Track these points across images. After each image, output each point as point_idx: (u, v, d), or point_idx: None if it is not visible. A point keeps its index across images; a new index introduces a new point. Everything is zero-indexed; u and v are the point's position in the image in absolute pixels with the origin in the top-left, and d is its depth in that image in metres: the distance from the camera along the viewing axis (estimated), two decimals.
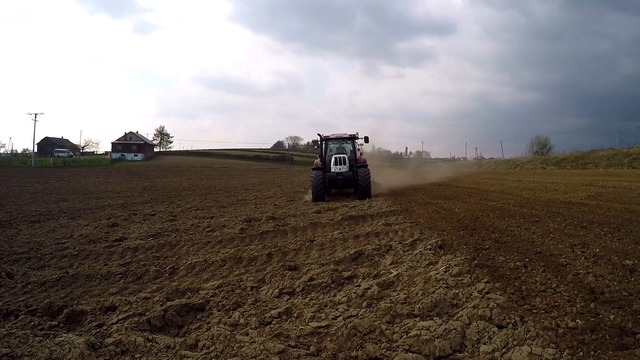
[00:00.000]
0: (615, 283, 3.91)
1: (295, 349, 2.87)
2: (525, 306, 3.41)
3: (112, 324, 3.72)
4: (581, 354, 2.56)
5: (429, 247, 5.75)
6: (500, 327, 2.99)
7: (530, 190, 14.92)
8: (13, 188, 24.02)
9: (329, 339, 3.01)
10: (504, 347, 2.67)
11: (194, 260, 6.24)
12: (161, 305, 4.00)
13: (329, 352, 2.84)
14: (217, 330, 3.31)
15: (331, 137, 17.15)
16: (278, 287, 4.47)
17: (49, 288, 5.37)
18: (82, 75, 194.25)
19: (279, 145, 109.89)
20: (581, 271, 4.35)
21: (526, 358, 2.39)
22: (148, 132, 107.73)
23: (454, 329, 2.95)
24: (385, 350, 2.83)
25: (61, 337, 3.48)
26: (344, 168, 15.71)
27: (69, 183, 29.31)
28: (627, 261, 4.59)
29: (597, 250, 5.19)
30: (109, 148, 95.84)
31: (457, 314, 3.34)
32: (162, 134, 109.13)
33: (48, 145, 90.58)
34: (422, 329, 2.98)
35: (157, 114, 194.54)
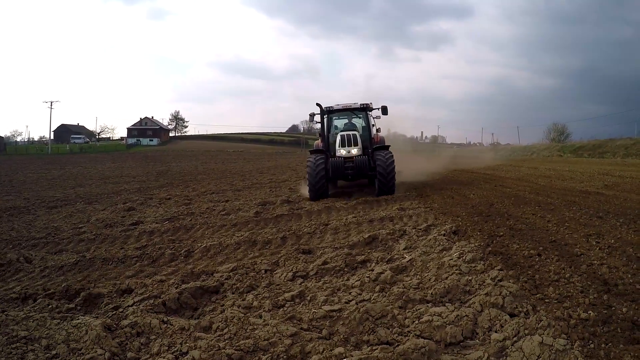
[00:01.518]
0: (630, 275, 3.87)
1: (307, 332, 2.94)
2: (537, 295, 3.41)
3: (128, 306, 3.86)
4: (592, 346, 2.56)
5: (442, 232, 5.75)
6: (512, 315, 3.00)
7: (547, 177, 14.66)
8: (30, 175, 24.69)
9: (341, 322, 3.07)
10: (515, 336, 2.68)
11: (209, 243, 6.38)
12: (176, 288, 4.11)
13: (341, 336, 2.90)
14: (231, 312, 3.39)
15: (336, 107, 12.23)
16: (292, 270, 4.54)
17: (66, 272, 5.51)
18: (97, 62, 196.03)
19: (294, 129, 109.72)
20: (595, 262, 4.30)
21: (537, 348, 2.40)
22: (163, 117, 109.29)
23: (466, 315, 2.97)
24: (396, 335, 2.88)
25: (78, 319, 3.57)
26: (354, 150, 11.06)
27: (85, 169, 29.97)
28: None
29: (612, 241, 5.12)
30: (124, 134, 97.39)
31: (469, 300, 3.36)
32: (177, 119, 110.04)
33: (64, 132, 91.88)
34: (434, 314, 3.01)
35: (174, 99, 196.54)
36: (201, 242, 6.56)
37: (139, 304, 3.82)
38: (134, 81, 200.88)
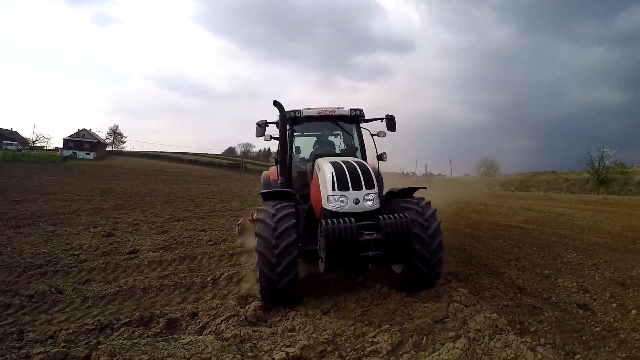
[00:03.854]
0: (535, 284, 6.65)
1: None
2: (479, 295, 5.98)
3: (217, 324, 4.99)
4: (511, 316, 5.12)
5: None
6: (466, 305, 5.31)
7: (478, 212, 17.94)
8: None
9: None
10: (469, 315, 4.98)
11: (229, 272, 7.50)
12: (242, 307, 5.48)
13: None
14: (299, 319, 5.01)
15: (307, 113, 7.35)
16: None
17: (111, 302, 6.22)
18: (35, 65, 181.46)
19: (230, 151, 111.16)
20: (514, 277, 7.02)
21: (482, 319, 4.71)
22: (100, 130, 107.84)
23: (443, 307, 5.24)
24: None
25: (183, 339, 4.33)
26: (369, 198, 5.91)
27: (22, 180, 29.41)
28: (545, 271, 7.38)
29: (526, 264, 7.92)
30: (60, 144, 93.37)
31: (440, 299, 5.61)
32: (115, 133, 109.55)
33: None
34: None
35: (109, 111, 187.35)
36: (218, 271, 7.69)
37: (227, 321, 5.05)
38: (73, 88, 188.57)
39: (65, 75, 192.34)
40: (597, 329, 5.01)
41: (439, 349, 4.26)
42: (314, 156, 7.47)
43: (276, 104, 6.63)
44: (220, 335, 4.66)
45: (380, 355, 4.28)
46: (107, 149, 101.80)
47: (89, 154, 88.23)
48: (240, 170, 79.56)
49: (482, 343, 4.29)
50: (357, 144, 8.03)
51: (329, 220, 5.28)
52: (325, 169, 6.16)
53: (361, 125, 7.95)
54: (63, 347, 4.51)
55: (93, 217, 15.00)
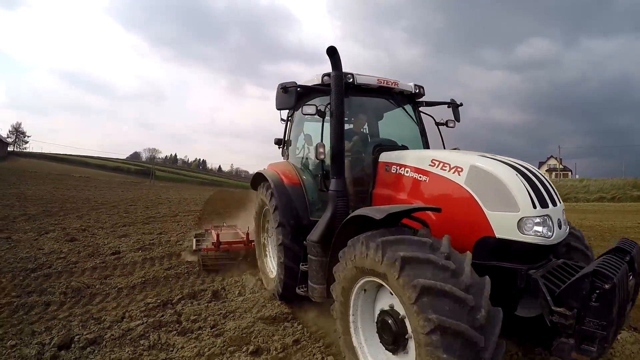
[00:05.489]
0: None
1: None
2: None
3: (250, 288, 6.87)
4: None
5: None
6: None
7: None
8: None
9: None
10: None
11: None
12: (259, 281, 7.19)
13: None
14: None
15: (360, 80, 5.32)
16: None
17: (144, 289, 7.04)
18: None
19: (135, 156, 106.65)
20: None
21: None
22: (1, 128, 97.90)
23: None
24: None
25: (237, 299, 6.25)
26: (564, 220, 3.99)
27: None
28: None
29: None
30: None
31: None
32: (17, 132, 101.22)
33: None
34: None
35: (5, 104, 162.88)
36: None
37: (255, 286, 7.01)
38: None
39: None
40: None
41: None
42: (374, 148, 5.32)
43: (332, 51, 4.64)
44: (260, 294, 6.57)
45: None
46: (9, 148, 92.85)
47: None
48: (149, 177, 77.58)
49: None
50: (422, 136, 6.17)
51: (602, 266, 3.14)
52: (498, 174, 3.81)
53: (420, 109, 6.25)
54: (146, 319, 5.36)
55: (31, 223, 14.72)
